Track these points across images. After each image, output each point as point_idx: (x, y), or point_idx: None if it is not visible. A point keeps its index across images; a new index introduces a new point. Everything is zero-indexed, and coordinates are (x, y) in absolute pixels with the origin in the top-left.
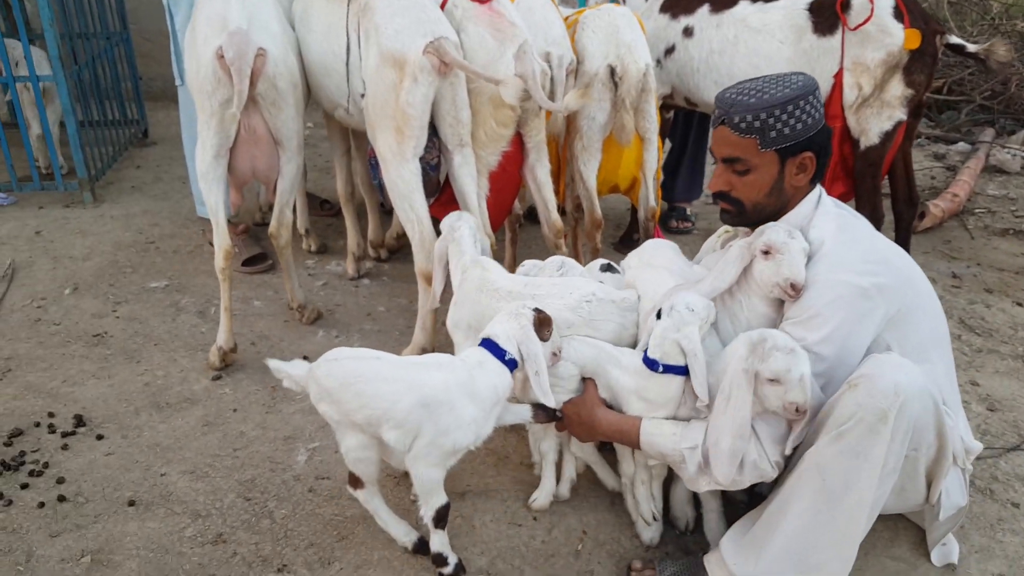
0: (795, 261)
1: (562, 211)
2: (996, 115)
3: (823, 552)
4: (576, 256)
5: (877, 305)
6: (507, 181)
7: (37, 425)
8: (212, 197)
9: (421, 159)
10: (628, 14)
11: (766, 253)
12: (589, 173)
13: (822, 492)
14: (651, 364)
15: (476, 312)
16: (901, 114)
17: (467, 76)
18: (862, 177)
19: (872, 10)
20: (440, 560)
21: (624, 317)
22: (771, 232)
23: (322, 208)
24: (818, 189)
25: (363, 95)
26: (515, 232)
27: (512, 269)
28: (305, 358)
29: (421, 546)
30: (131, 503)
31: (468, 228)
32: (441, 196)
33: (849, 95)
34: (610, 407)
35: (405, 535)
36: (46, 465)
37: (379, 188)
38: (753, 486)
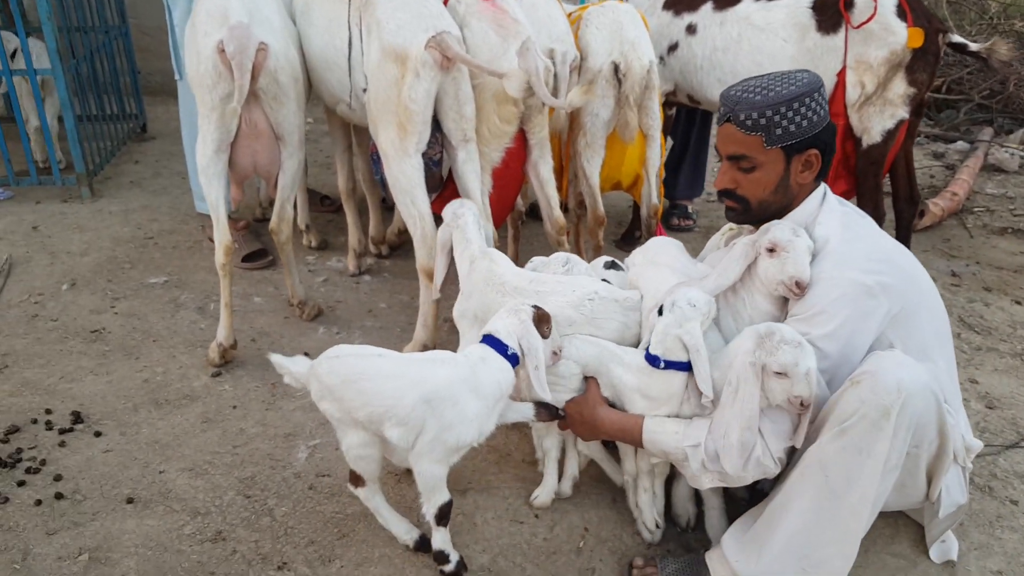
0: (800, 259)
1: (565, 208)
2: (994, 114)
3: (825, 548)
4: (578, 253)
5: (881, 303)
6: (510, 178)
7: (34, 422)
8: (213, 192)
9: (424, 154)
10: (631, 11)
11: (771, 251)
12: (592, 170)
13: (824, 488)
14: (653, 360)
15: (484, 304)
16: (903, 112)
17: (470, 71)
18: (864, 175)
19: (876, 8)
20: (442, 558)
21: (627, 316)
22: (776, 230)
23: (322, 204)
24: (823, 187)
25: (365, 90)
26: (517, 229)
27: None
28: (306, 354)
29: (422, 544)
30: (129, 500)
31: (472, 216)
32: (444, 192)
33: (852, 93)
34: (613, 406)
35: (406, 533)
36: (43, 462)
37: (381, 184)
38: (754, 483)
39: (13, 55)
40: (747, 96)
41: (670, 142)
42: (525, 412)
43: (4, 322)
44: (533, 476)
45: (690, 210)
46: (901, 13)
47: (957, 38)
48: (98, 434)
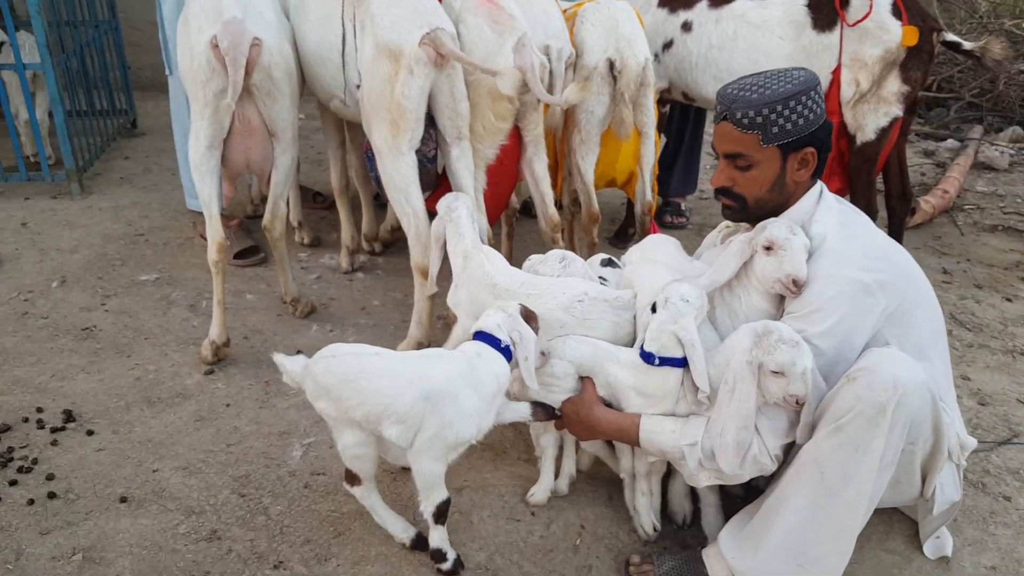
0: (797, 257)
1: (559, 205)
2: (984, 112)
3: (821, 545)
4: (572, 250)
5: (878, 301)
6: (504, 175)
7: (25, 420)
8: (205, 189)
9: (418, 152)
10: (627, 8)
11: (768, 249)
12: (587, 167)
13: (820, 485)
14: (648, 358)
15: (474, 300)
16: (897, 110)
17: (464, 68)
18: (857, 172)
19: (871, 7)
20: (439, 556)
21: (618, 315)
22: (773, 228)
23: (315, 201)
24: (819, 185)
25: (359, 86)
26: (512, 226)
27: (508, 263)
28: (299, 352)
29: (419, 542)
30: (123, 500)
31: (466, 209)
32: (438, 189)
33: (847, 91)
34: (609, 405)
35: (403, 531)
36: (35, 461)
37: (375, 180)
38: (750, 480)
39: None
40: (744, 94)
41: (663, 139)
42: (522, 412)
43: None
44: (529, 474)
45: (683, 207)
46: (896, 11)
47: (951, 37)
48: (90, 433)
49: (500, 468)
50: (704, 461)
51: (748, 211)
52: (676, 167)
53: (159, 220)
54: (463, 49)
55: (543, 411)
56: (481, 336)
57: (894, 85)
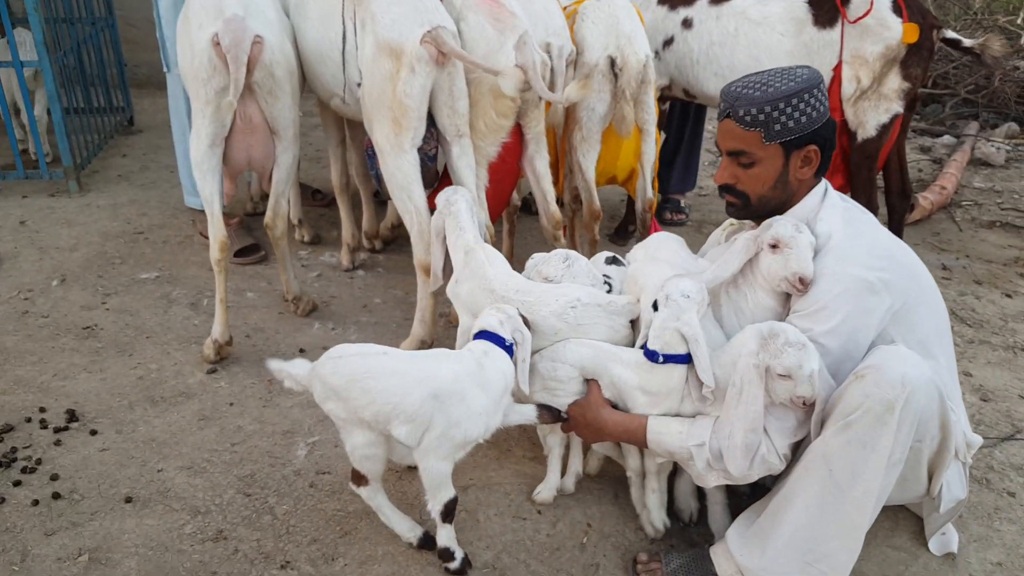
0: (803, 255)
1: (560, 203)
2: (980, 108)
3: (829, 542)
4: (573, 247)
5: (883, 299)
6: (506, 172)
7: (28, 420)
8: (207, 187)
9: (419, 149)
10: (627, 5)
11: (774, 247)
12: (588, 164)
13: (829, 482)
14: (651, 356)
15: (472, 297)
16: (898, 107)
17: (465, 66)
18: (858, 169)
19: (871, 4)
20: (447, 555)
21: (612, 320)
22: (779, 226)
23: (314, 198)
24: (824, 183)
25: (359, 84)
26: (513, 223)
27: (510, 260)
28: (302, 351)
29: (426, 541)
30: (128, 500)
31: (465, 203)
32: (439, 187)
33: (847, 88)
34: (615, 407)
35: (410, 531)
36: (39, 461)
37: (376, 178)
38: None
39: None
40: (747, 92)
41: (663, 136)
42: (527, 414)
43: None
44: (534, 472)
45: (682, 204)
46: (896, 9)
47: (951, 34)
48: (94, 432)
49: (505, 466)
50: (712, 462)
51: (751, 208)
52: (676, 164)
53: (158, 218)
54: (464, 47)
55: (549, 414)
56: (486, 335)
57: (895, 82)
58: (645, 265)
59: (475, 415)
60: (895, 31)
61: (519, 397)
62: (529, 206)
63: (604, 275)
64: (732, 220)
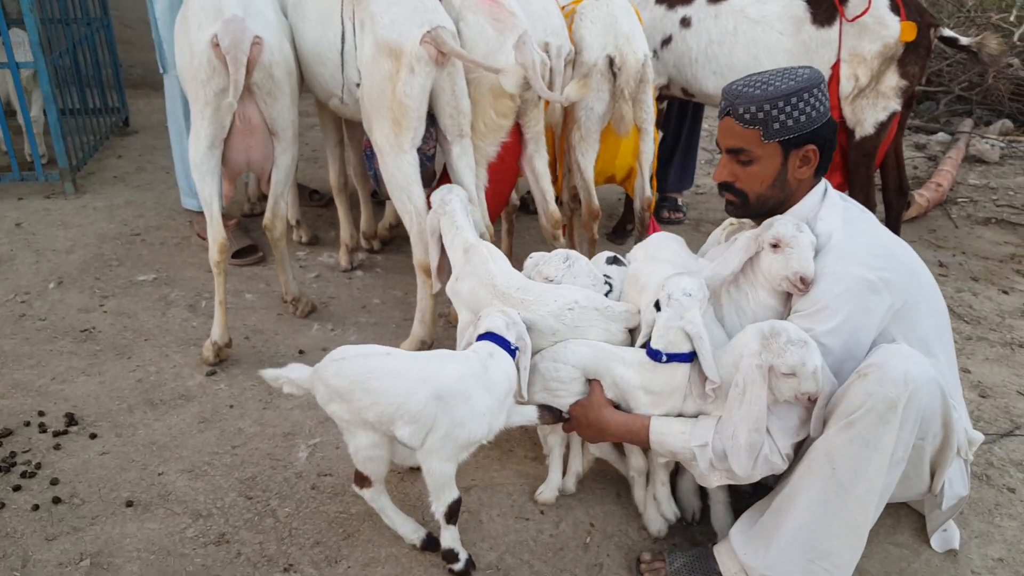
0: (804, 255)
1: (559, 202)
2: (974, 106)
3: (833, 540)
4: (572, 247)
5: (884, 298)
6: (505, 172)
7: (27, 424)
8: (206, 189)
9: (418, 149)
10: (625, 4)
11: (775, 246)
12: (587, 164)
13: (832, 481)
14: (655, 355)
15: (473, 295)
16: (896, 105)
17: (465, 66)
18: (856, 167)
19: (869, 2)
20: (451, 556)
21: (609, 325)
22: (779, 225)
23: (311, 199)
24: (823, 182)
25: (358, 85)
26: (512, 223)
27: (509, 259)
28: (301, 352)
29: (430, 543)
30: (129, 504)
31: (459, 201)
32: (438, 186)
33: (846, 86)
34: (617, 407)
35: (413, 532)
36: (38, 466)
37: (374, 179)
38: None
39: None
40: (747, 90)
41: (660, 135)
42: (529, 415)
43: None
44: (536, 472)
45: (680, 203)
46: (894, 7)
47: (948, 32)
48: (93, 436)
49: (507, 467)
50: (715, 462)
51: (750, 207)
52: (673, 162)
53: (154, 219)
54: (464, 47)
55: (550, 414)
56: (491, 337)
57: (892, 80)
58: (646, 265)
59: (479, 416)
60: (893, 29)
61: (520, 398)
62: (528, 205)
63: (605, 275)
64: (732, 220)
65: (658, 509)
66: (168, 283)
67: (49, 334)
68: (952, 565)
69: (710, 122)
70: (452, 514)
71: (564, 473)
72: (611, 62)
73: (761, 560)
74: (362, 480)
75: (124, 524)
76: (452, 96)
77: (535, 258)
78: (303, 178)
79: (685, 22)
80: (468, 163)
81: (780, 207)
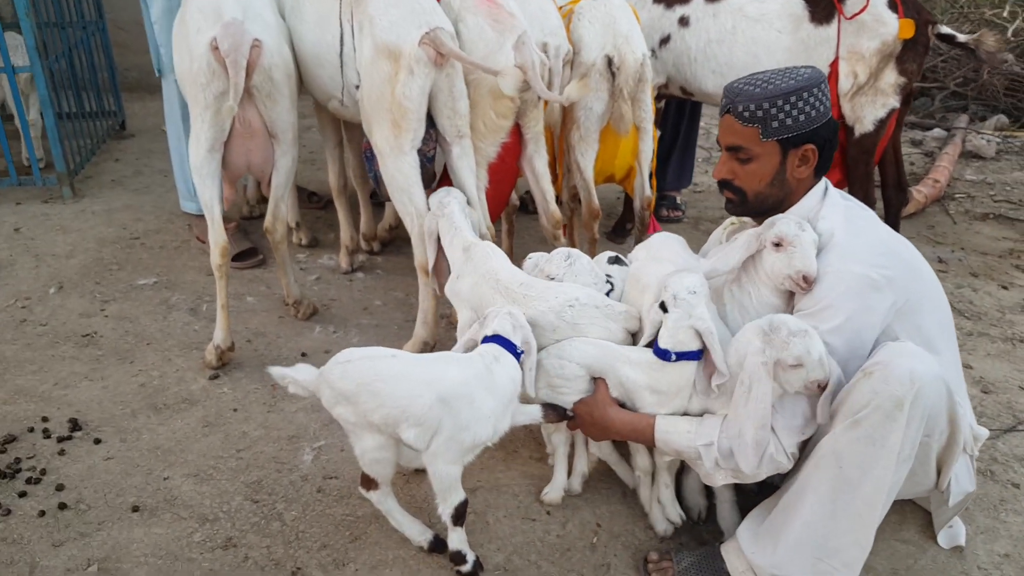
0: (807, 253)
1: (559, 201)
2: (969, 101)
3: (841, 538)
4: (573, 246)
5: (886, 296)
6: (505, 172)
7: (31, 430)
8: (207, 192)
9: (418, 151)
10: (623, 4)
11: (777, 245)
12: (586, 163)
13: (839, 479)
14: (664, 355)
15: (475, 293)
16: (895, 101)
17: (464, 67)
18: (855, 164)
19: (868, 0)
20: (459, 558)
21: (609, 323)
22: (782, 224)
23: (310, 201)
24: (824, 181)
25: (357, 87)
26: (512, 223)
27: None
28: (304, 355)
29: (437, 545)
30: (135, 509)
31: (458, 204)
32: (438, 187)
33: (844, 83)
34: (623, 405)
35: (420, 534)
36: (44, 472)
37: (374, 180)
38: None
39: None
40: (747, 88)
41: (659, 134)
42: (533, 414)
43: None
44: (541, 473)
45: (678, 201)
46: (892, 5)
47: (946, 29)
48: (98, 441)
49: (512, 468)
50: (721, 461)
51: (748, 205)
52: (671, 161)
53: (153, 223)
54: (463, 48)
55: (554, 413)
56: (497, 339)
57: (891, 77)
58: (648, 265)
59: (483, 418)
60: (891, 27)
61: (524, 397)
62: (527, 205)
63: (607, 275)
64: (733, 219)
65: (664, 513)
66: (169, 287)
67: (51, 339)
68: (958, 561)
69: (707, 120)
70: (459, 516)
71: (569, 473)
72: (609, 62)
73: (769, 558)
74: (368, 482)
75: (131, 529)
76: (451, 97)
77: (534, 258)
78: (301, 180)
79: (683, 21)
80: (468, 164)
81: (779, 205)
